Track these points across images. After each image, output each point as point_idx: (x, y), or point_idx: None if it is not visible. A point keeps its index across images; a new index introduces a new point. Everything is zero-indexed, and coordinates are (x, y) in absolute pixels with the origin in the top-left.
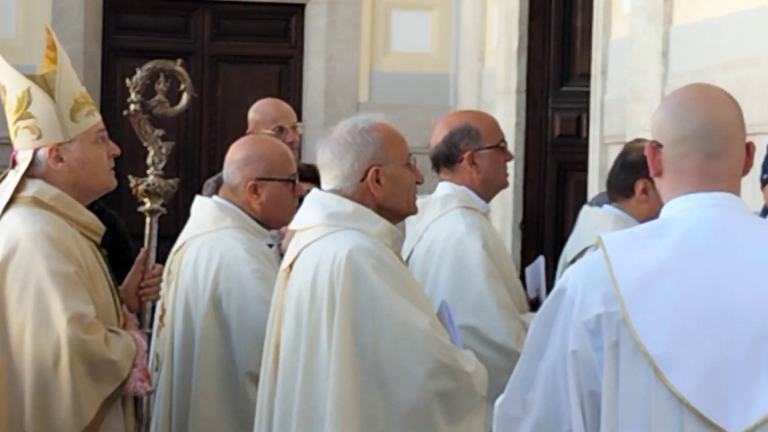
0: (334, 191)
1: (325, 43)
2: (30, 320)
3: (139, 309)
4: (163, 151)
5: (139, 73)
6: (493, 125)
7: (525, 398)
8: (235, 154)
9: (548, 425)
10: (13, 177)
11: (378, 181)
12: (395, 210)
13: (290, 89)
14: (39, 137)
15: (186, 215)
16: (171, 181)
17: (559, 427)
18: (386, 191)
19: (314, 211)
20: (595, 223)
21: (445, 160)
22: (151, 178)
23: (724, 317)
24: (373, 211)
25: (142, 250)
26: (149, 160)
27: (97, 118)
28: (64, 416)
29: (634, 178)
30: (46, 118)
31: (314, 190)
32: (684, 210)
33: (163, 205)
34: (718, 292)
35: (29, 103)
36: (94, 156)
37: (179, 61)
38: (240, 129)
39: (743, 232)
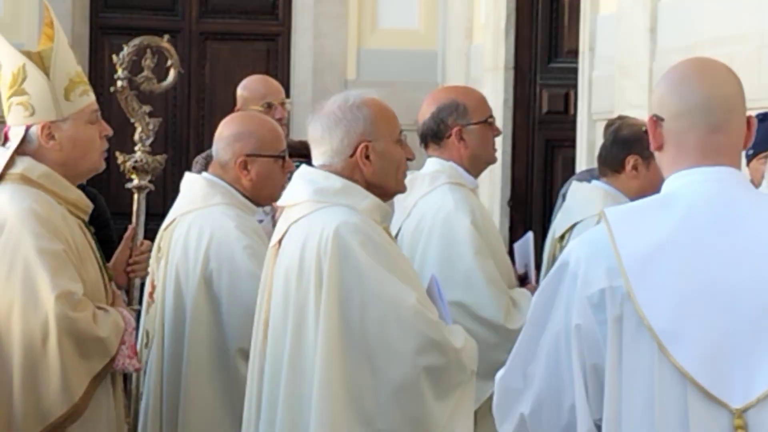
0: (323, 167)
1: (313, 20)
2: (18, 298)
3: (127, 286)
4: (151, 127)
5: (126, 50)
6: (481, 101)
7: (526, 371)
8: (225, 130)
9: (550, 398)
10: (3, 153)
11: (367, 157)
12: (384, 187)
13: (278, 67)
14: (32, 114)
15: (174, 192)
16: (159, 157)
17: (561, 400)
18: (375, 167)
19: (302, 187)
20: (584, 198)
21: (433, 136)
22: (138, 155)
23: (727, 292)
24: (362, 188)
25: (130, 227)
26: (137, 137)
27: (92, 98)
28: (52, 394)
29: (624, 154)
30: (40, 96)
31: (303, 167)
32: (687, 184)
33: (150, 181)
34: (721, 266)
35: (24, 79)
36: (86, 136)
37: (166, 36)
38: (228, 106)
39: (746, 206)
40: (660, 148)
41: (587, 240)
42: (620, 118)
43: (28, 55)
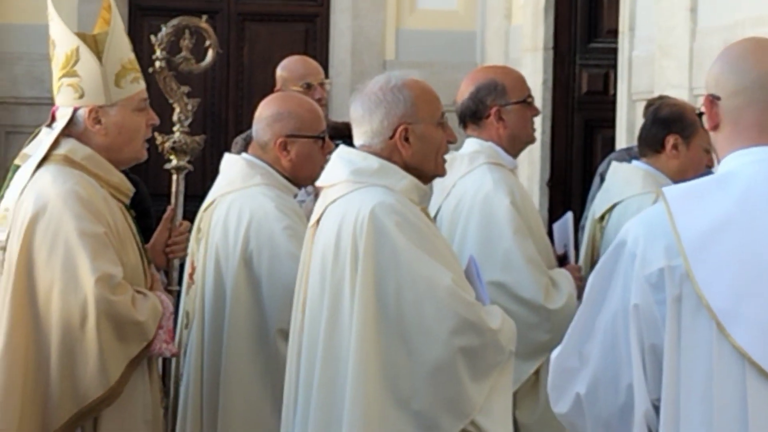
0: (363, 147)
1: (352, 0)
2: (58, 280)
3: (166, 266)
4: (189, 108)
5: (164, 30)
6: (520, 80)
7: (582, 351)
8: (265, 110)
9: (606, 378)
10: (47, 134)
11: (407, 139)
12: (422, 170)
13: (317, 47)
14: (81, 96)
15: (213, 173)
16: (197, 138)
17: (618, 379)
18: (414, 150)
19: (340, 167)
20: (624, 179)
21: (472, 116)
22: (177, 135)
23: None
24: (400, 168)
25: (169, 208)
26: (175, 117)
27: (142, 86)
28: (89, 376)
29: (665, 133)
30: (90, 79)
31: (341, 147)
32: (745, 164)
33: (189, 162)
34: None
35: (76, 61)
36: (132, 123)
37: (204, 17)
38: (267, 87)
39: None
40: (716, 127)
41: (645, 219)
42: (660, 98)
43: (83, 37)
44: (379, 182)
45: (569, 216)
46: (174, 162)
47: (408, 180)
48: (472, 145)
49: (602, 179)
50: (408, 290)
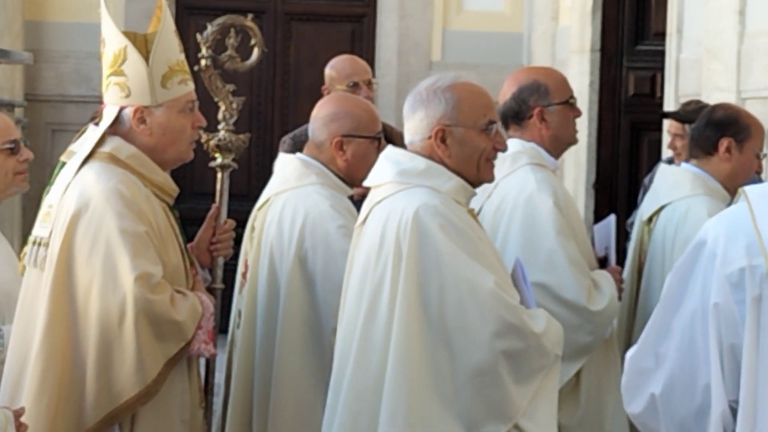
0: (408, 145)
1: (399, 1)
2: (98, 277)
3: (210, 264)
4: (234, 106)
5: (210, 29)
6: (562, 81)
7: (658, 351)
8: (321, 110)
9: (683, 378)
10: (93, 132)
11: (443, 140)
12: (463, 174)
13: (363, 48)
14: (127, 96)
15: (258, 173)
16: (242, 136)
17: (695, 379)
18: (452, 153)
19: (387, 168)
20: (672, 181)
21: (514, 116)
22: (222, 133)
23: None
24: (447, 169)
25: (214, 206)
26: (220, 116)
27: (190, 87)
28: (126, 373)
29: (718, 135)
30: (137, 79)
31: (389, 147)
32: None
33: (234, 160)
34: None
35: (123, 61)
36: (177, 125)
37: (250, 16)
38: (313, 87)
39: None
40: None
41: (726, 218)
42: (693, 102)
43: (132, 37)
44: (425, 183)
45: (612, 219)
46: (219, 160)
47: (455, 181)
48: (514, 145)
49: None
50: (451, 292)
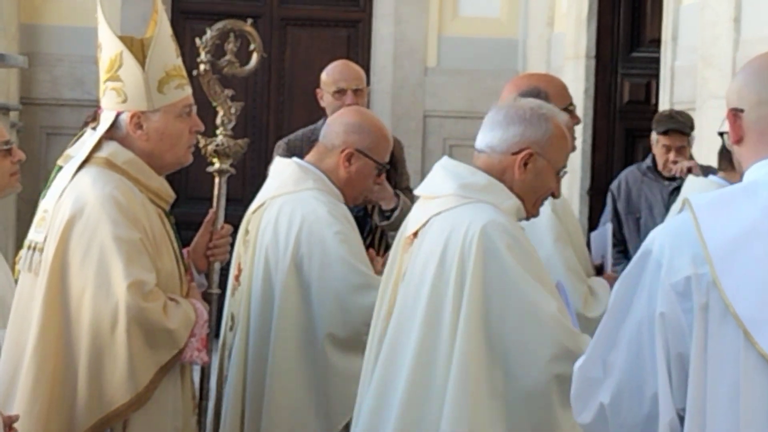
0: (481, 152)
1: (394, 6)
2: (91, 284)
3: (207, 270)
4: (233, 111)
5: (209, 33)
6: (562, 88)
7: (606, 360)
8: (347, 117)
9: (631, 387)
10: (90, 136)
11: (526, 164)
12: (522, 201)
13: (358, 53)
14: (124, 101)
15: (253, 178)
16: (240, 141)
17: (643, 389)
18: (526, 179)
19: (447, 180)
20: (698, 192)
21: None
22: (220, 138)
23: None
24: (506, 188)
25: (211, 211)
26: (218, 121)
27: (187, 92)
28: (117, 381)
29: None
30: (133, 85)
31: (445, 158)
32: None
33: (232, 165)
34: None
35: (120, 66)
36: (174, 130)
37: (249, 21)
38: (308, 92)
39: None
40: (740, 141)
41: (671, 228)
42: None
43: (129, 42)
44: (486, 199)
45: (609, 227)
46: (217, 165)
47: (513, 201)
48: None
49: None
50: (513, 313)
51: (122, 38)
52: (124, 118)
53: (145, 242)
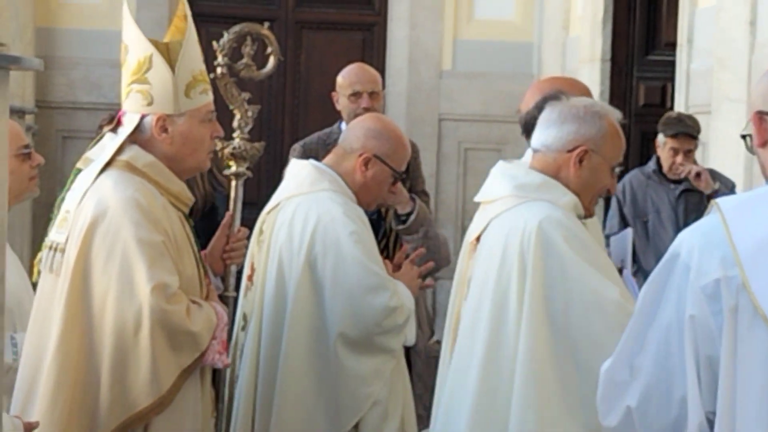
0: (535, 152)
1: (409, 10)
2: (114, 286)
3: (223, 273)
4: (250, 114)
5: (227, 36)
6: (585, 92)
7: (634, 363)
8: (369, 122)
9: (659, 390)
10: (111, 139)
11: (581, 161)
12: (578, 199)
13: (373, 56)
14: (150, 104)
15: (269, 180)
16: (257, 144)
17: (671, 392)
18: (582, 175)
19: (503, 183)
20: None
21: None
22: (237, 141)
23: None
24: (562, 185)
25: (228, 214)
26: (235, 124)
27: (210, 98)
28: (140, 384)
29: None
30: (161, 88)
31: (500, 162)
32: None
33: (248, 168)
34: None
35: (148, 69)
36: (198, 134)
37: (266, 24)
38: (323, 96)
39: None
40: (765, 144)
41: (700, 231)
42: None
43: (157, 45)
44: (543, 197)
45: (629, 231)
46: (233, 168)
47: (570, 197)
48: None
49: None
50: (576, 303)
51: (150, 41)
52: (149, 120)
53: (167, 245)
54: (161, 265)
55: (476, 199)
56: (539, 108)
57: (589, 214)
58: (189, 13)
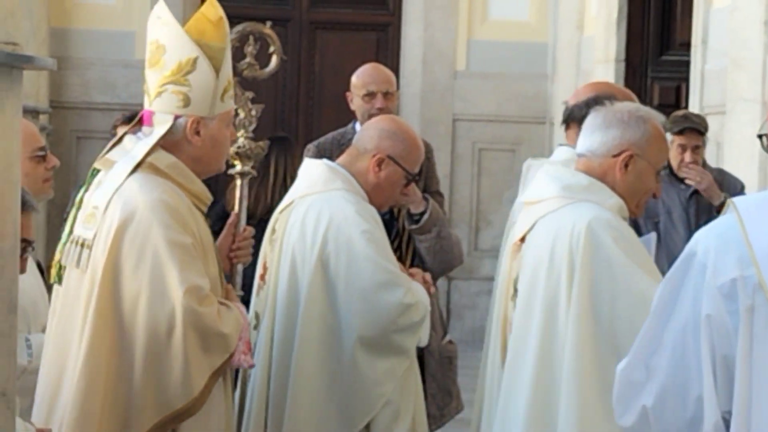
0: (581, 157)
1: (423, 10)
2: (145, 289)
3: (229, 272)
4: (253, 113)
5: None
6: (628, 97)
7: (649, 363)
8: (384, 123)
9: (675, 390)
10: (135, 142)
11: (626, 165)
12: (624, 203)
13: (387, 57)
14: (185, 106)
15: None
16: (261, 143)
17: (687, 392)
18: (627, 179)
19: (549, 184)
20: None
21: (580, 120)
22: (241, 140)
23: None
24: (608, 187)
25: (233, 213)
26: (239, 123)
27: (233, 103)
28: (173, 385)
29: None
30: (201, 91)
31: (546, 164)
32: None
33: (253, 167)
34: None
35: (190, 71)
36: (224, 138)
37: (268, 23)
38: (337, 96)
39: None
40: None
41: (716, 230)
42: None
43: (203, 48)
44: (589, 198)
45: (653, 236)
46: (238, 167)
47: (616, 199)
48: (563, 153)
49: None
50: (622, 303)
51: (196, 43)
52: (183, 122)
53: (196, 246)
54: (192, 267)
55: (521, 200)
56: (588, 104)
57: (635, 216)
58: (225, 18)
